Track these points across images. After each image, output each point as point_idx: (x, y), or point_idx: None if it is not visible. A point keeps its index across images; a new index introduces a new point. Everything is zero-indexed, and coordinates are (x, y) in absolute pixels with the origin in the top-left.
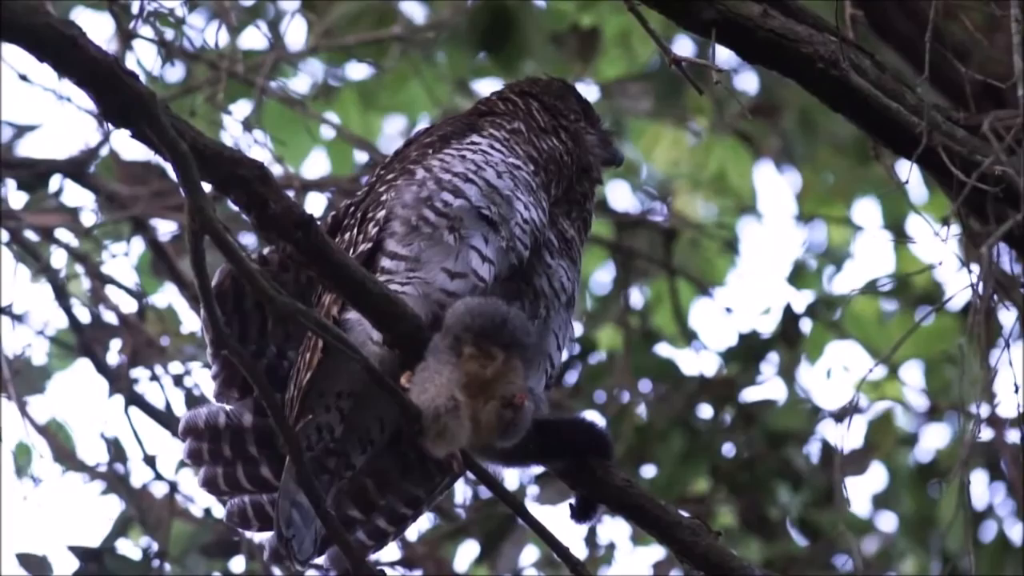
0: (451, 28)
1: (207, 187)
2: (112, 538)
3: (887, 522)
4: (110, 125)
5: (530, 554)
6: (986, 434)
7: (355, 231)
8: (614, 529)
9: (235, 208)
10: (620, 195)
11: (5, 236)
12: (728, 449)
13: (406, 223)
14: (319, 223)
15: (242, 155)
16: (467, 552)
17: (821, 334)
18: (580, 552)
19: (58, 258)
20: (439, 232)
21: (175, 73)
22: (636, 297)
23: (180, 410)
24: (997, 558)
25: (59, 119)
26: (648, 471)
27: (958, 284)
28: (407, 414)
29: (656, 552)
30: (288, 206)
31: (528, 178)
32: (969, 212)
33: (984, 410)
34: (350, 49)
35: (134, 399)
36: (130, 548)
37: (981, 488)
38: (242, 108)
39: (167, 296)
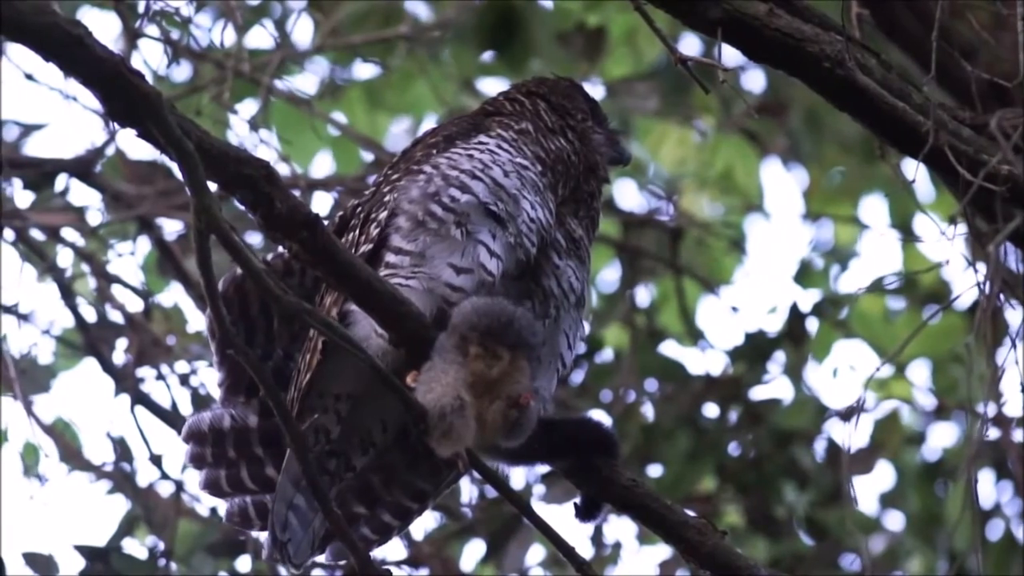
0: (457, 27)
1: (213, 186)
2: (118, 537)
3: (894, 521)
4: (116, 124)
5: (536, 553)
6: (993, 433)
7: (357, 231)
8: (620, 528)
9: (241, 207)
10: (626, 194)
11: (11, 235)
12: (734, 448)
13: (412, 218)
14: (325, 222)
15: (248, 154)
16: (473, 551)
17: (828, 333)
18: (586, 551)
19: (64, 257)
20: (446, 227)
21: (181, 72)
22: (642, 296)
23: (186, 409)
24: (1004, 557)
25: (65, 118)
26: (654, 470)
27: (965, 283)
28: (413, 413)
29: (662, 551)
30: (294, 205)
31: (535, 178)
32: (975, 211)
33: (991, 409)
34: (356, 48)
35: (140, 398)
36: (136, 547)
37: (988, 487)
38: (248, 107)
39: (173, 295)
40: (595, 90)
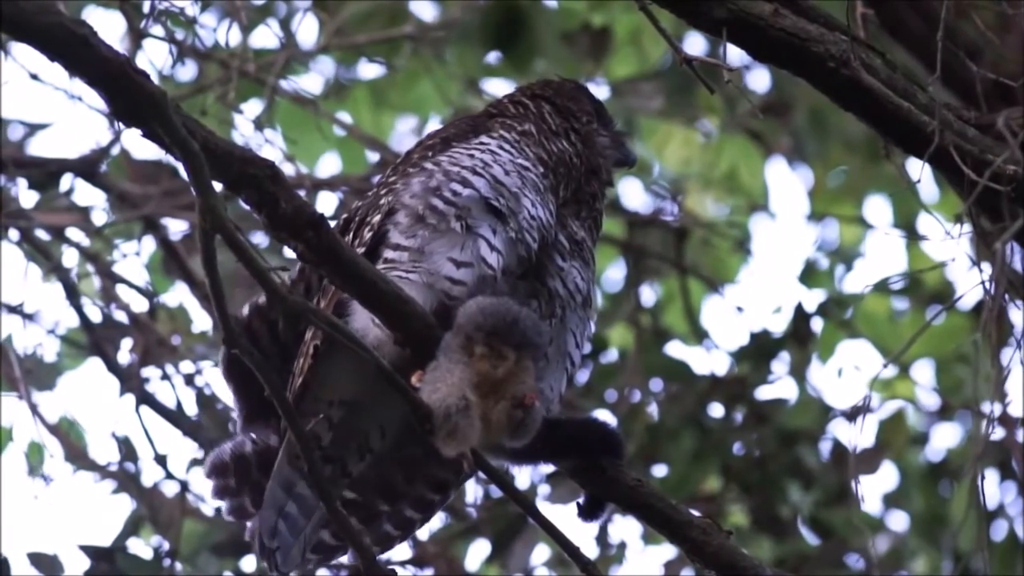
0: (462, 27)
1: (218, 186)
2: (123, 537)
3: (898, 521)
4: (121, 124)
5: (541, 553)
6: (997, 433)
7: (351, 235)
8: (625, 528)
9: (246, 207)
10: (631, 194)
11: (16, 235)
12: (739, 448)
13: (412, 214)
14: (330, 222)
15: (253, 154)
16: (478, 551)
17: (832, 333)
18: (591, 551)
19: (69, 257)
20: (446, 220)
21: (186, 72)
22: (647, 296)
23: (191, 409)
24: (1008, 557)
25: (70, 118)
26: (659, 470)
27: (969, 283)
28: (418, 413)
29: (667, 551)
30: (299, 205)
31: (536, 180)
32: (980, 211)
33: (995, 409)
34: (361, 48)
35: (145, 398)
36: (141, 547)
37: (992, 487)
38: (253, 107)
39: (178, 295)
40: (600, 90)
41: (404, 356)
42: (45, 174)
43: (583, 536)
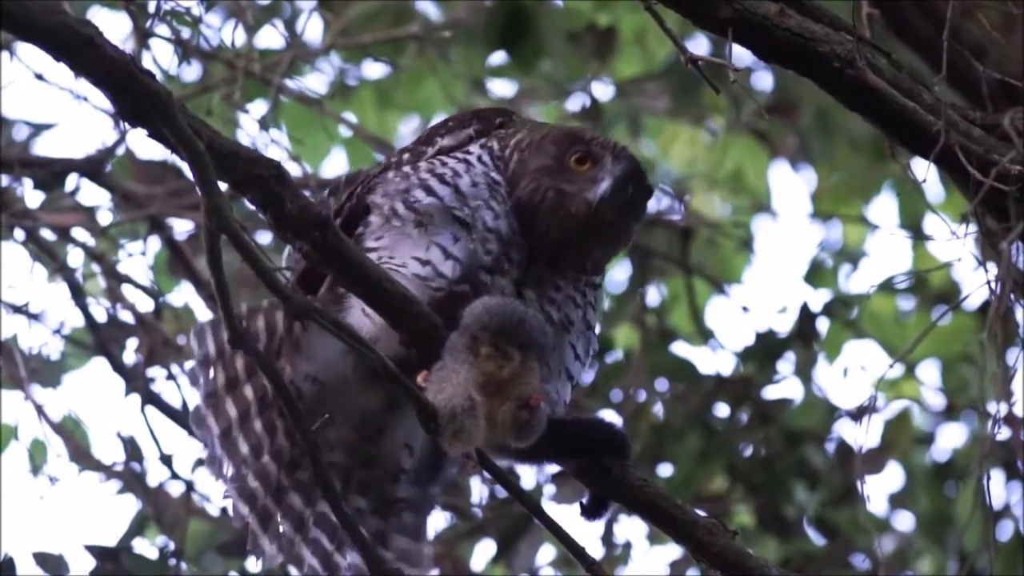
0: (467, 27)
1: (224, 186)
2: (128, 537)
3: (904, 521)
4: (126, 124)
5: (546, 553)
6: (1003, 433)
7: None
8: (631, 528)
9: (252, 207)
10: None
11: (21, 235)
12: (745, 448)
13: (381, 214)
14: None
15: (259, 154)
16: (483, 551)
17: (838, 333)
18: (596, 551)
19: (75, 257)
20: (407, 226)
21: (192, 72)
22: (653, 296)
23: None
24: (1013, 557)
25: (75, 118)
26: (665, 470)
27: (975, 283)
28: (423, 413)
29: (673, 551)
30: (305, 205)
31: (504, 194)
32: (986, 211)
33: (1001, 409)
34: (367, 48)
35: (150, 398)
36: (146, 547)
37: (998, 487)
38: (259, 107)
39: (183, 295)
40: (605, 90)
41: (410, 355)
42: (50, 174)
43: (588, 536)
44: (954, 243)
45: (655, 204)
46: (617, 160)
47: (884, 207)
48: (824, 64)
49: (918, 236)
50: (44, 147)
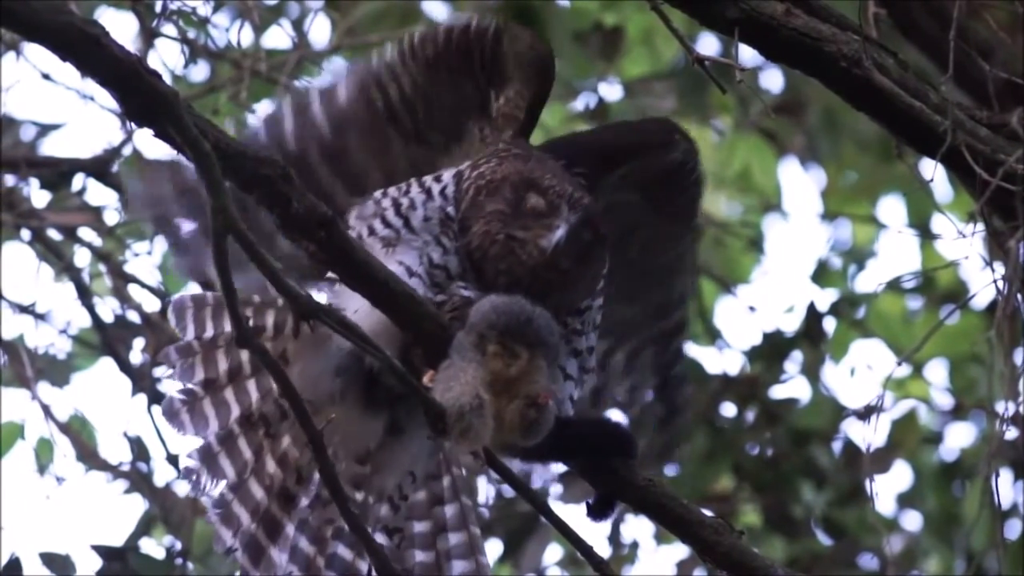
0: None
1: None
2: (135, 537)
3: (912, 521)
4: (133, 124)
5: (554, 553)
6: (1011, 432)
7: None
8: (638, 528)
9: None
10: None
11: (28, 235)
12: (752, 448)
13: (357, 232)
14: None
15: (265, 154)
16: (490, 550)
17: (845, 332)
18: (604, 551)
19: (81, 257)
20: (375, 248)
21: (199, 72)
22: None
23: None
24: (1022, 556)
25: (82, 118)
26: (671, 470)
27: (982, 282)
28: (431, 413)
29: (680, 551)
30: (311, 205)
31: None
32: (993, 210)
33: (1009, 408)
34: (373, 48)
35: (157, 398)
36: (153, 547)
37: (1006, 486)
38: (266, 107)
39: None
40: (612, 89)
41: (385, 321)
42: (57, 174)
43: (596, 535)
44: (961, 242)
45: None
46: (573, 209)
47: (892, 207)
48: (831, 64)
49: (925, 235)
50: (51, 147)
